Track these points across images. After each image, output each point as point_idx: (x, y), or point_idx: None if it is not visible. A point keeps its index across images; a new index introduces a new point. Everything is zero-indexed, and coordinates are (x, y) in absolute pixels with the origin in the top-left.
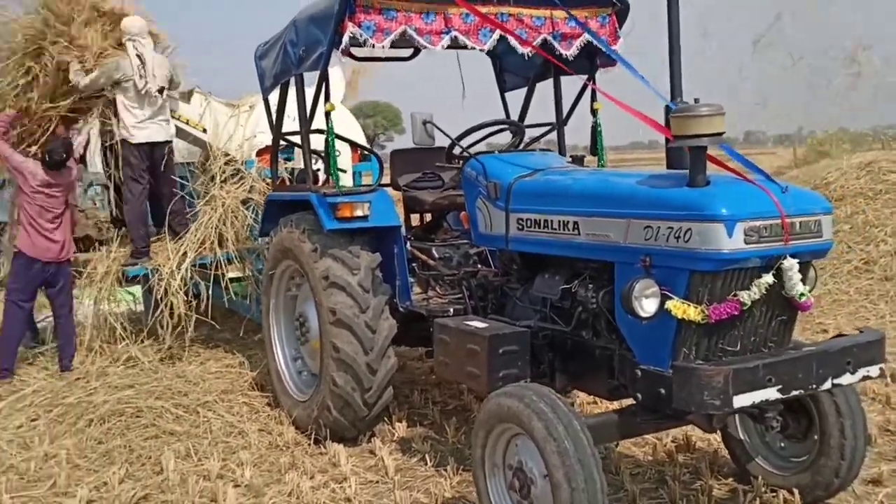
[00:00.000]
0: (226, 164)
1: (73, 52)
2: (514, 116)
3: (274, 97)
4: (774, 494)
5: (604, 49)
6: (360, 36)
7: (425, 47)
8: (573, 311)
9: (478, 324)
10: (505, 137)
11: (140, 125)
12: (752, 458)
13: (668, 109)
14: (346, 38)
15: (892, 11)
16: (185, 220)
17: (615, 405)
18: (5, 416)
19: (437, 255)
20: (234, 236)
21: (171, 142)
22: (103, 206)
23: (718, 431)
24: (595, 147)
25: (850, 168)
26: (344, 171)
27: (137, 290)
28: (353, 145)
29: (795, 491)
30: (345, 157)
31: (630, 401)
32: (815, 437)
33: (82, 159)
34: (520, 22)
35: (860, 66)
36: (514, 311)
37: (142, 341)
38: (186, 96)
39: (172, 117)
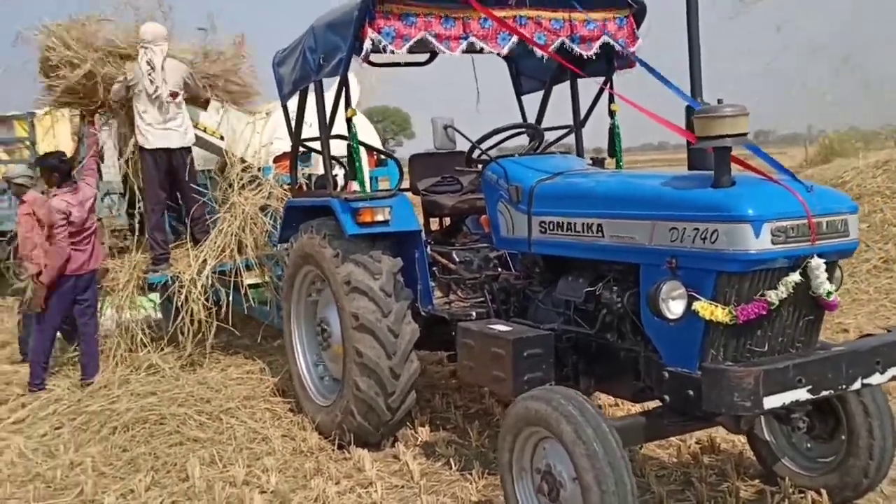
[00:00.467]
0: (243, 170)
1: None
2: (530, 119)
3: (292, 104)
4: (802, 495)
5: (623, 51)
6: (380, 42)
7: (444, 53)
8: (597, 314)
9: (502, 327)
10: (515, 141)
11: (154, 130)
12: (778, 458)
13: (689, 110)
14: (366, 45)
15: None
16: (205, 227)
17: (638, 407)
18: (29, 425)
19: (457, 259)
20: (252, 243)
21: (189, 148)
22: (120, 214)
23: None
24: (613, 149)
25: (866, 167)
26: None
27: (156, 297)
28: (375, 151)
29: (823, 492)
30: (362, 162)
31: (653, 403)
32: (842, 437)
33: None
34: (538, 25)
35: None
36: (537, 314)
37: (162, 349)
38: (204, 104)
39: (197, 126)
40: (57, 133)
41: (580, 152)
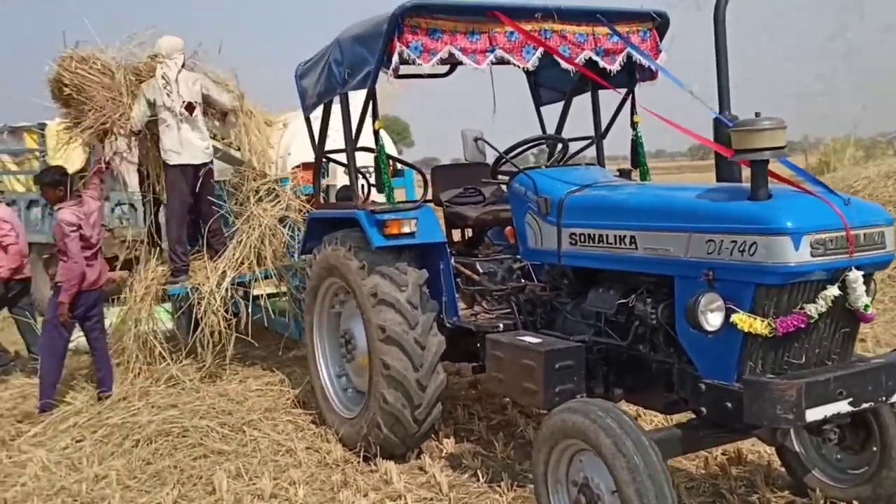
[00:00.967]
0: (261, 182)
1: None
2: (549, 131)
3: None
4: None
5: (650, 65)
6: (409, 56)
7: (471, 66)
8: (629, 325)
9: (532, 339)
10: (534, 152)
11: (177, 147)
12: (808, 470)
13: (717, 122)
14: (395, 58)
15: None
16: (223, 239)
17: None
18: (50, 437)
19: (481, 270)
20: (272, 254)
21: (212, 162)
22: (131, 224)
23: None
24: (636, 160)
25: (878, 176)
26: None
27: (169, 307)
28: (400, 163)
29: (855, 503)
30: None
31: (683, 415)
32: (874, 448)
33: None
34: (563, 38)
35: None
36: (565, 326)
37: (180, 361)
38: (222, 116)
39: (215, 138)
40: (69, 144)
41: (601, 163)
